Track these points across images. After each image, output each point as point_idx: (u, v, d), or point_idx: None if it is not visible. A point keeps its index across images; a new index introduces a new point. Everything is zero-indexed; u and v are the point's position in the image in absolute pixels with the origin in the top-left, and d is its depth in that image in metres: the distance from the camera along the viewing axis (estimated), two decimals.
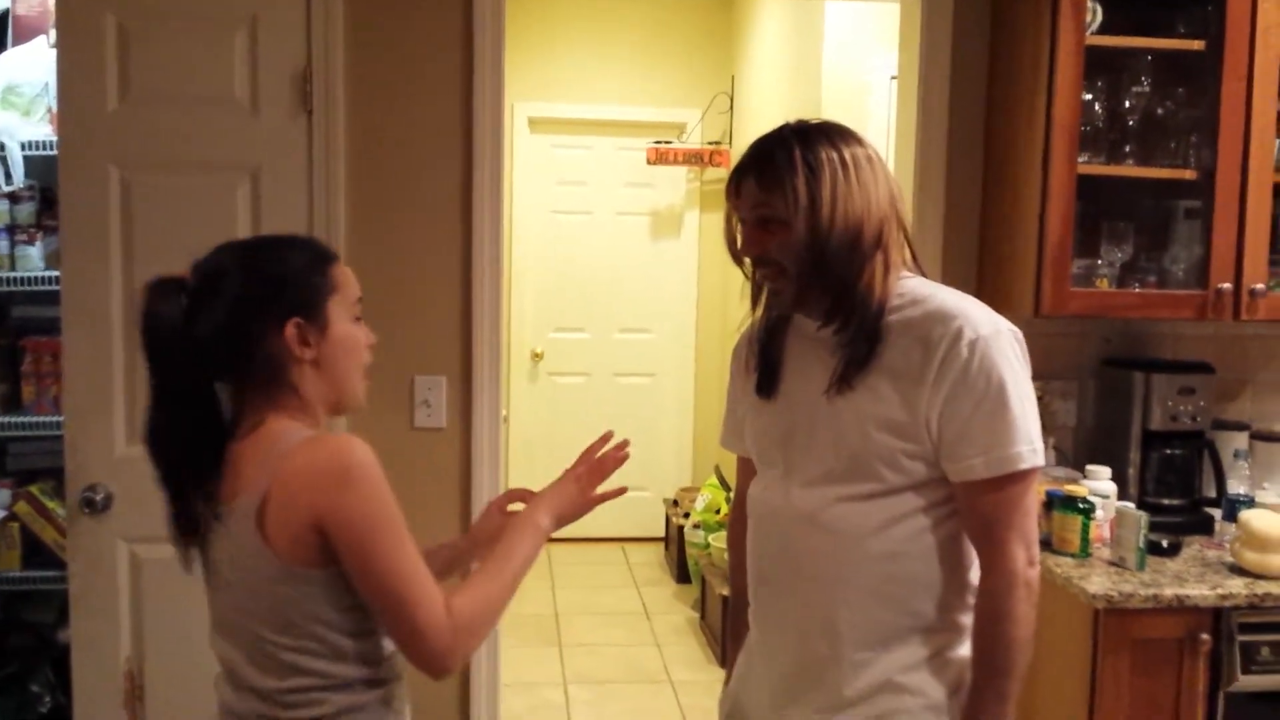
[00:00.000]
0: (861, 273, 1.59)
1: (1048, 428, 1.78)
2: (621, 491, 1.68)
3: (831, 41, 4.15)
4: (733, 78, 5.81)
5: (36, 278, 2.90)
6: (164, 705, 2.60)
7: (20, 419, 2.93)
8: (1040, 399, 1.71)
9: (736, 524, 1.93)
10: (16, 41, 3.01)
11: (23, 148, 2.89)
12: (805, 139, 1.61)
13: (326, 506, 1.37)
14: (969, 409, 1.55)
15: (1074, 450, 2.85)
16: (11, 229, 2.91)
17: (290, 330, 1.45)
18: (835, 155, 1.59)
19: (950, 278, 2.64)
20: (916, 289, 1.64)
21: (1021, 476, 1.56)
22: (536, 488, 1.67)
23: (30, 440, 3.07)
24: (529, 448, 5.97)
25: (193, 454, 1.45)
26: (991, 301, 1.67)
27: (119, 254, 2.51)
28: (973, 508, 1.59)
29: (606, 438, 1.70)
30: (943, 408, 1.56)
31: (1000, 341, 1.57)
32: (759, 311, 1.77)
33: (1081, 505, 2.40)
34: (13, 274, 2.91)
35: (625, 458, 1.68)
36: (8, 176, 2.85)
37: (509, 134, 5.74)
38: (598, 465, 1.67)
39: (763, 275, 1.69)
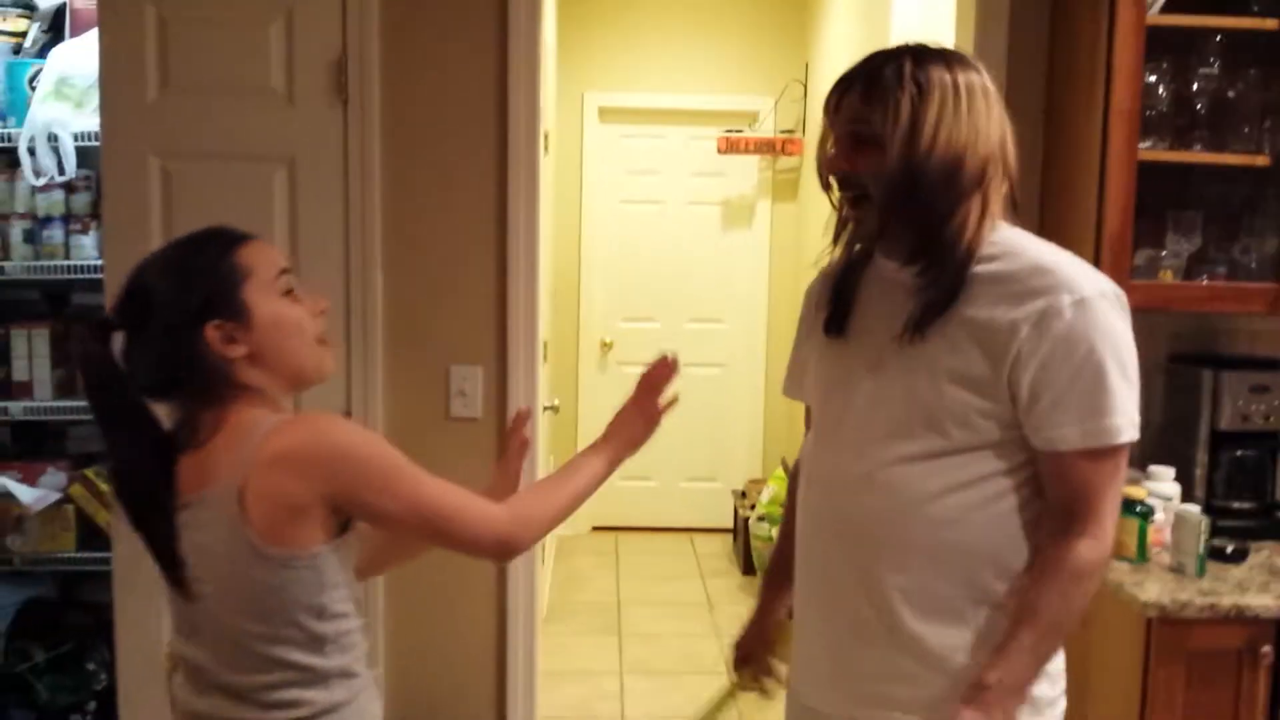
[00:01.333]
0: (955, 211, 1.48)
1: None
2: (674, 400, 1.70)
3: (899, 26, 4.04)
4: (806, 65, 5.71)
5: (91, 265, 2.97)
6: None
7: (77, 403, 2.99)
8: None
9: (797, 474, 1.82)
10: (74, 34, 3.06)
11: (75, 139, 2.95)
12: (919, 58, 1.49)
13: (338, 490, 1.37)
14: (1066, 376, 1.44)
15: (1139, 450, 2.72)
16: (67, 218, 2.99)
17: (210, 333, 1.41)
18: (949, 79, 1.47)
19: None
20: (1012, 240, 1.53)
21: (1116, 451, 1.47)
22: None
23: (88, 424, 3.13)
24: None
25: (158, 479, 1.42)
26: None
27: (160, 242, 2.52)
28: (1059, 478, 1.49)
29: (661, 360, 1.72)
30: (1037, 371, 1.45)
31: (1104, 304, 1.46)
32: (839, 248, 1.66)
33: (1139, 509, 2.29)
34: (68, 262, 2.98)
35: (674, 370, 1.69)
36: (60, 167, 2.92)
37: (580, 125, 5.78)
38: (651, 382, 1.68)
39: (848, 202, 1.58)
